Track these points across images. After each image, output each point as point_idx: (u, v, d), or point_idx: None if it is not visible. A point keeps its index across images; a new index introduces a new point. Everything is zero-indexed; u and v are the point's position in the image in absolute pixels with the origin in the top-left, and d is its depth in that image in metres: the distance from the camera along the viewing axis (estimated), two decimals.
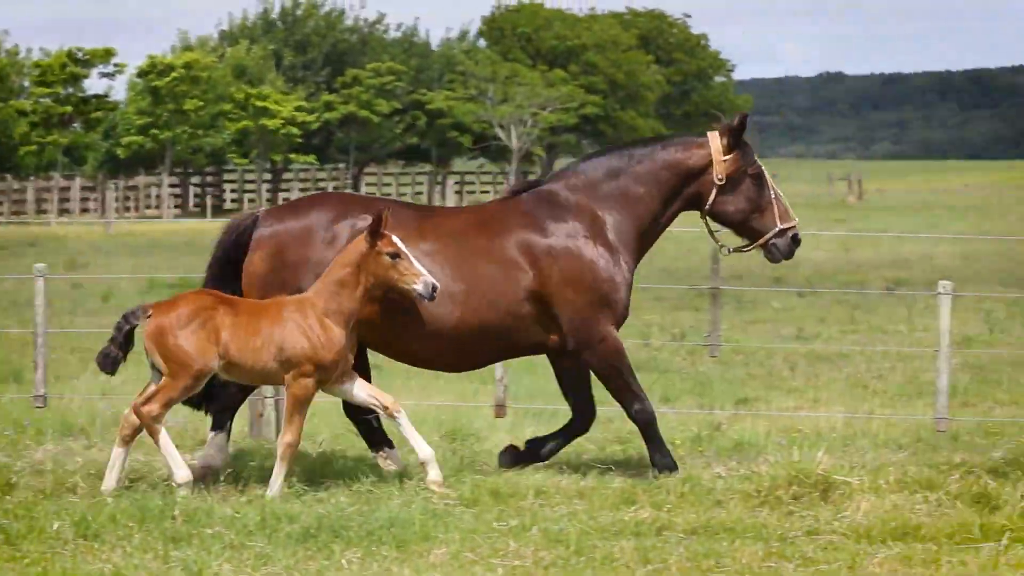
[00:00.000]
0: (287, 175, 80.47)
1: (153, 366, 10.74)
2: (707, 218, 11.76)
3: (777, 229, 11.61)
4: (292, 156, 78.39)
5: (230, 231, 11.47)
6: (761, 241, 11.65)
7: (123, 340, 10.76)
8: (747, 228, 11.69)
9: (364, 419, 11.58)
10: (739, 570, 9.10)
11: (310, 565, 9.13)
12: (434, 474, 10.86)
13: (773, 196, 11.65)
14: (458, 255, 11.17)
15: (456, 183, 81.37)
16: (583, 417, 11.73)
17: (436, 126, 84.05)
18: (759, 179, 11.66)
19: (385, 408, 10.95)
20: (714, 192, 11.56)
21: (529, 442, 11.84)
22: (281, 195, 73.25)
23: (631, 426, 11.66)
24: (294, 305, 10.73)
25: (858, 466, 11.13)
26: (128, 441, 10.79)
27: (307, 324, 10.63)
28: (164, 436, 10.68)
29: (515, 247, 11.27)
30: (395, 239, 10.67)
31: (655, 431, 11.40)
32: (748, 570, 9.10)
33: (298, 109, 77.24)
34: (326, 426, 13.65)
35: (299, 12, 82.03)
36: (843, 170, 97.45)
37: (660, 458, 11.36)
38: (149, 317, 10.69)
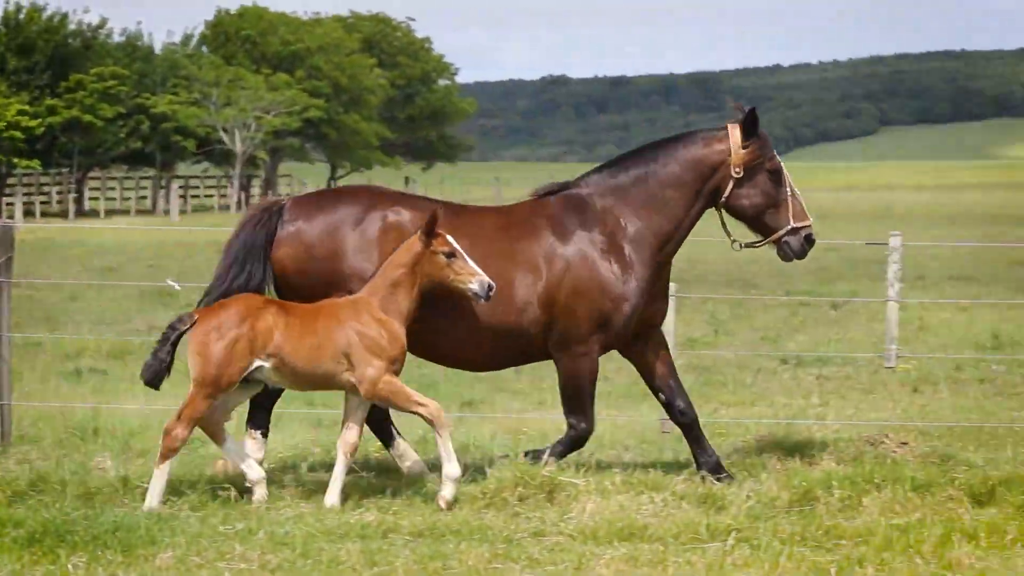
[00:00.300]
0: (11, 180, 78.08)
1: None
2: (721, 211, 11.75)
3: (790, 227, 11.57)
4: (16, 160, 76.12)
5: (255, 219, 11.28)
6: (773, 237, 11.62)
7: (170, 349, 10.58)
8: (760, 223, 11.66)
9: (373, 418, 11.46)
10: (465, 572, 9.16)
11: (36, 570, 9.02)
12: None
13: (789, 193, 11.61)
14: (484, 255, 11.05)
15: (180, 187, 79.99)
16: (685, 405, 11.67)
17: (160, 130, 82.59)
18: (777, 175, 11.62)
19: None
20: (731, 185, 11.55)
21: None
22: (4, 200, 70.86)
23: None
24: (349, 305, 10.72)
25: (584, 468, 11.24)
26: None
27: (364, 323, 10.60)
28: (168, 464, 10.57)
29: (538, 252, 11.32)
30: (449, 238, 10.72)
31: (570, 448, 11.51)
32: (474, 572, 9.16)
33: (21, 113, 75.16)
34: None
35: (22, 16, 79.74)
36: (567, 173, 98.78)
37: (550, 459, 11.31)
38: (195, 323, 10.60)
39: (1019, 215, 59.46)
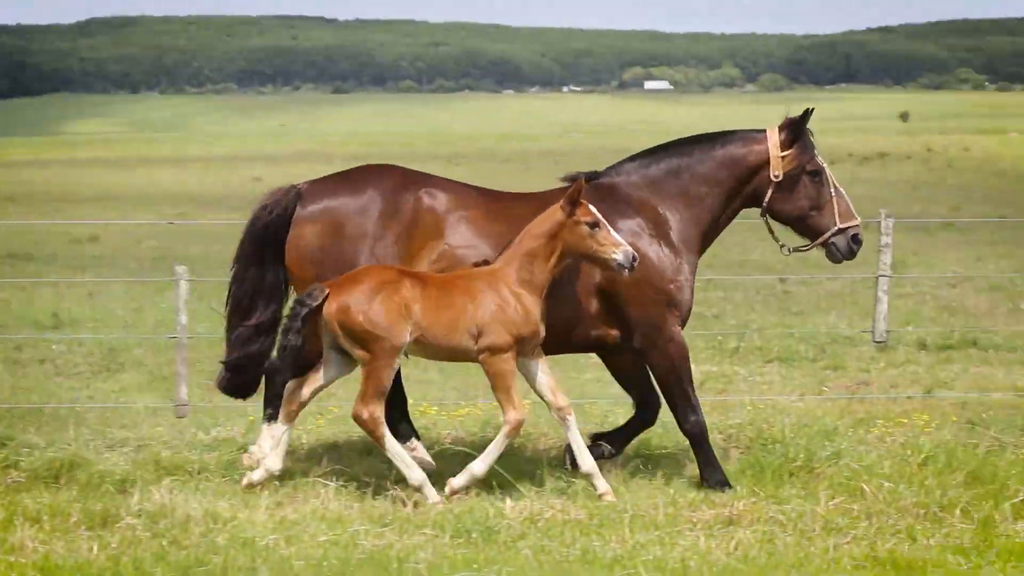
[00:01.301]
0: None
1: (332, 349, 10.48)
2: (767, 216, 11.52)
3: (836, 228, 11.39)
4: None
5: (272, 206, 10.97)
6: (820, 240, 11.44)
7: (300, 326, 10.27)
8: (806, 226, 11.49)
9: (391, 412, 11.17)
10: None
11: None
12: (601, 486, 10.65)
13: (833, 193, 11.41)
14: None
15: None
16: (649, 408, 11.65)
17: None
18: (818, 176, 11.43)
19: (558, 409, 10.72)
20: (771, 190, 11.37)
21: (595, 437, 11.70)
22: None
23: None
24: (485, 277, 10.50)
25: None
26: (293, 417, 10.63)
27: (502, 296, 10.41)
28: (390, 438, 10.44)
29: None
30: (592, 208, 10.46)
31: (707, 445, 11.19)
32: None
33: None
34: None
35: None
36: None
37: (711, 472, 11.12)
38: (327, 297, 10.26)
39: (71, 193, 59.85)
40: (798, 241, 11.67)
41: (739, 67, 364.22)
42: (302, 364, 10.71)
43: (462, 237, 10.97)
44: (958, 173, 74.61)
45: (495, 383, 10.54)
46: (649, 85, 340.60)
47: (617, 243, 10.54)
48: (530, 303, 10.54)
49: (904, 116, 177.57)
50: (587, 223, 10.53)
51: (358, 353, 10.39)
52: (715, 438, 12.37)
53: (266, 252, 11.07)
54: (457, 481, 10.66)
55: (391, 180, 11.12)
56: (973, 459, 11.31)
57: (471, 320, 10.46)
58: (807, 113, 11.44)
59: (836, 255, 11.51)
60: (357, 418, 10.42)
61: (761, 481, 10.96)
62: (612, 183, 11.38)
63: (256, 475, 10.74)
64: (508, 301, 10.50)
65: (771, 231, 11.70)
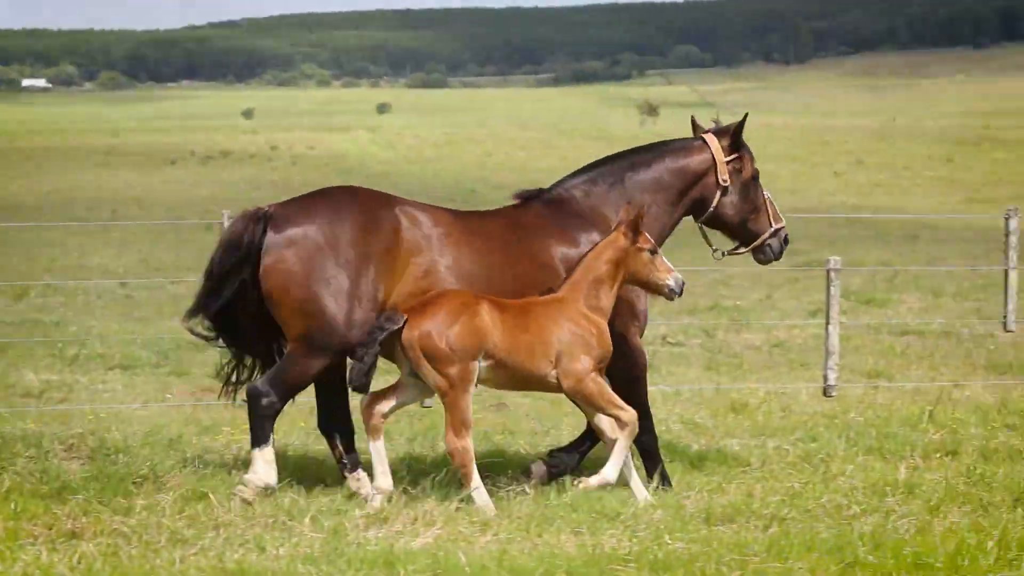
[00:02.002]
0: None
1: (410, 375, 10.74)
2: (702, 223, 11.98)
3: (772, 230, 11.94)
4: None
5: (243, 231, 10.98)
6: (757, 243, 11.95)
7: (377, 350, 10.56)
8: (744, 230, 11.98)
9: (336, 434, 11.39)
10: None
11: None
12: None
13: (766, 197, 11.96)
14: (506, 259, 11.24)
15: None
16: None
17: None
18: (756, 179, 11.97)
19: (601, 430, 11.02)
20: (717, 195, 11.81)
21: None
22: None
23: None
24: (559, 303, 10.89)
25: None
26: (379, 431, 10.76)
27: (577, 321, 10.81)
28: (476, 476, 10.65)
29: (552, 253, 11.38)
30: (647, 235, 11.04)
31: (658, 455, 11.67)
32: None
33: None
34: None
35: None
36: None
37: (660, 477, 11.57)
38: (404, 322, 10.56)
39: None
40: (729, 245, 12.14)
41: (77, 64, 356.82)
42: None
43: (446, 254, 11.12)
44: (303, 171, 76.45)
45: (592, 403, 10.90)
46: None
47: (670, 269, 11.13)
48: (603, 327, 10.96)
49: (248, 113, 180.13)
50: (648, 250, 11.09)
51: (437, 380, 10.62)
52: (56, 448, 12.23)
53: (236, 274, 11.03)
54: (594, 480, 11.01)
55: (365, 200, 11.18)
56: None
57: (551, 345, 10.80)
58: (745, 119, 12.05)
59: (769, 256, 12.04)
60: (450, 452, 10.65)
61: (105, 492, 10.91)
62: (564, 197, 11.67)
63: (375, 502, 10.72)
64: (583, 325, 10.87)
65: (705, 236, 12.14)
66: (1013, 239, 16.24)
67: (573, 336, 10.81)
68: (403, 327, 10.59)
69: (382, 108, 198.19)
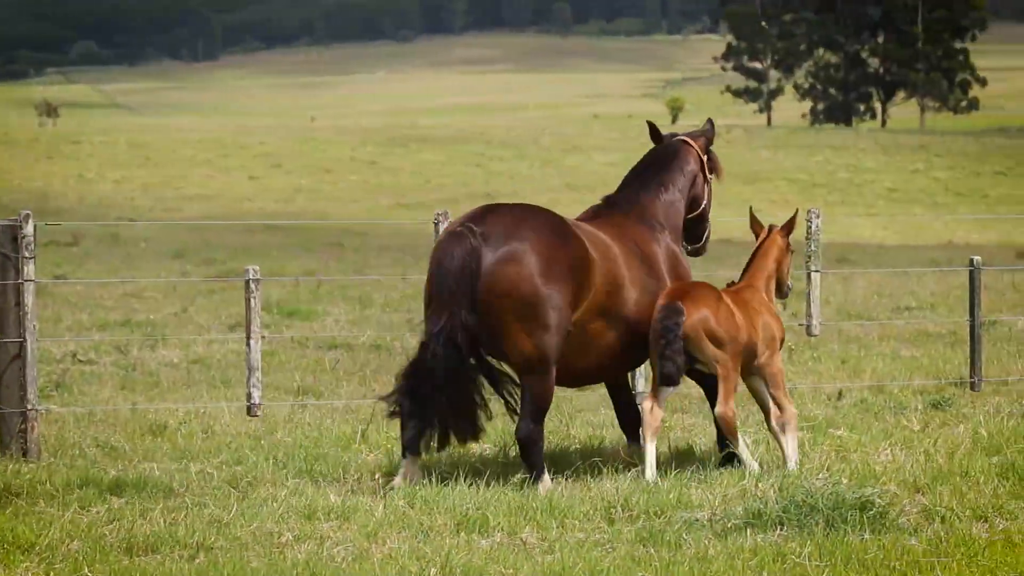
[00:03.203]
0: None
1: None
2: (690, 220, 13.42)
3: (711, 227, 13.58)
4: None
5: (461, 254, 11.93)
6: (706, 238, 13.55)
7: (680, 347, 12.16)
8: (703, 227, 13.50)
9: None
10: None
11: None
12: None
13: None
14: (641, 264, 12.65)
15: None
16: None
17: None
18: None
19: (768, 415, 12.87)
20: (707, 192, 13.41)
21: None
22: None
23: None
24: (754, 294, 12.76)
25: None
26: (657, 433, 12.37)
27: (770, 310, 12.77)
28: (741, 437, 12.67)
29: (659, 257, 12.80)
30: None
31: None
32: None
33: None
34: None
35: None
36: None
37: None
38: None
39: None
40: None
41: None
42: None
43: (621, 264, 12.48)
44: None
45: (777, 381, 12.73)
46: None
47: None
48: (778, 314, 12.92)
49: None
50: (791, 251, 13.08)
51: (718, 356, 12.33)
52: None
53: (461, 292, 11.93)
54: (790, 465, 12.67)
55: (552, 216, 12.35)
56: None
57: (769, 327, 12.66)
58: (710, 121, 13.51)
59: (703, 252, 13.68)
60: (723, 417, 12.39)
61: None
62: (639, 205, 12.99)
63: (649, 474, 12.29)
64: (773, 313, 12.82)
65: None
66: None
67: (775, 321, 12.79)
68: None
69: None
